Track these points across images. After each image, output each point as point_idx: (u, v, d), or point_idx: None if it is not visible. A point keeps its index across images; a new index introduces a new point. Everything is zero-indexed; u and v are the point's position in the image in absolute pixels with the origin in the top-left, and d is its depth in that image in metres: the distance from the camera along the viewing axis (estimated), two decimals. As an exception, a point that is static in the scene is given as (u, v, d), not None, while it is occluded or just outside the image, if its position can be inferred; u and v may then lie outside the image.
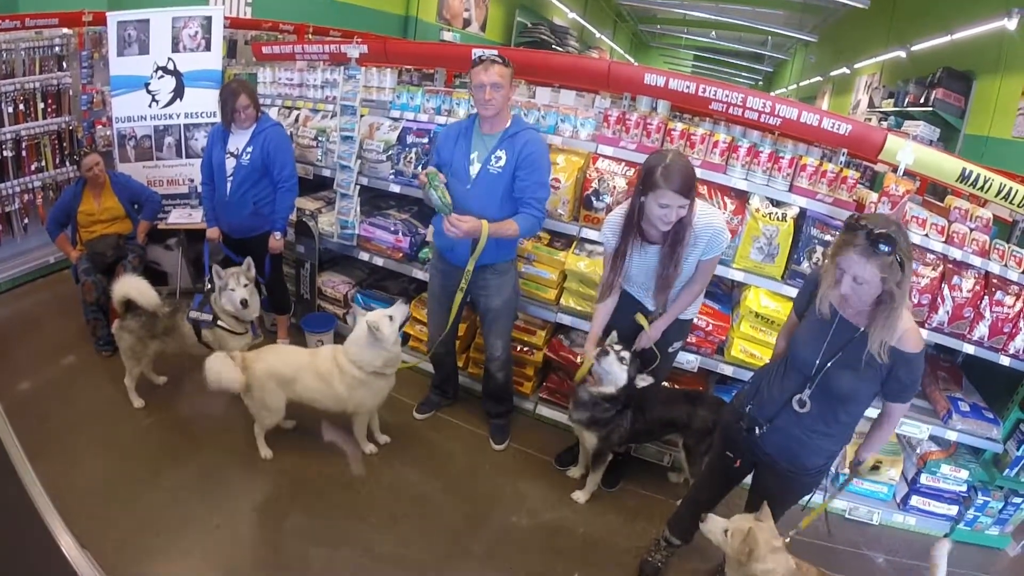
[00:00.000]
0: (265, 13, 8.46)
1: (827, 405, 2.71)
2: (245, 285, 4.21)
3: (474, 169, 3.78)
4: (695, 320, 3.93)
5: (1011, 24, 7.79)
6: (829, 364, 2.63)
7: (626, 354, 3.52)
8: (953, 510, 4.32)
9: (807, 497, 3.06)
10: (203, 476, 3.84)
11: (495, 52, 3.81)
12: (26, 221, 5.90)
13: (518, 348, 4.62)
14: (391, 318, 3.76)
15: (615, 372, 3.52)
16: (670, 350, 3.74)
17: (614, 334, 3.61)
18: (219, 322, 4.21)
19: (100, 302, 4.68)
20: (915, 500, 4.35)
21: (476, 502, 3.96)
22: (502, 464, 4.29)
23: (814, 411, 2.72)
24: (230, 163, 4.57)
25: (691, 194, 3.07)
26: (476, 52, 4.50)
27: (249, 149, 4.51)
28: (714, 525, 2.83)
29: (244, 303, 4.19)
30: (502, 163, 3.72)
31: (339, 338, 5.04)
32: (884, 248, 2.30)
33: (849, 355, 2.58)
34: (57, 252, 5.62)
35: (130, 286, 4.05)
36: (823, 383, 2.67)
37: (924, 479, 4.29)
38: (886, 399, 2.71)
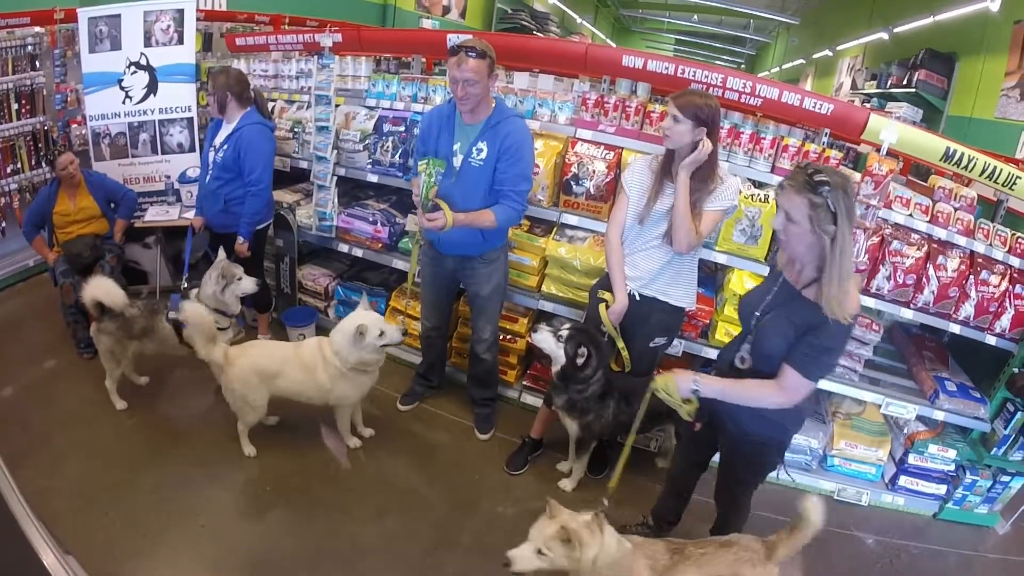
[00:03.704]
0: (240, 4, 8.34)
1: (760, 364, 2.69)
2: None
3: (457, 161, 3.70)
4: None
5: (994, 5, 7.76)
6: (763, 319, 2.65)
7: (564, 333, 3.49)
8: (942, 489, 4.33)
9: (774, 474, 3.04)
10: (188, 475, 3.79)
11: (470, 38, 3.73)
12: (3, 225, 5.79)
13: (500, 336, 4.57)
14: (382, 333, 3.68)
15: (549, 348, 3.51)
16: (652, 344, 3.68)
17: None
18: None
19: (79, 304, 4.58)
20: (903, 480, 4.35)
21: (462, 493, 3.93)
22: (487, 454, 4.26)
23: (752, 370, 2.72)
24: (211, 156, 4.55)
25: (687, 113, 3.13)
26: (451, 38, 4.46)
27: (226, 146, 4.46)
28: (521, 558, 2.68)
29: (257, 284, 4.21)
30: (484, 155, 3.64)
31: (321, 332, 5.02)
32: (816, 187, 2.33)
33: (781, 316, 2.57)
34: (36, 255, 5.52)
35: (98, 288, 3.97)
36: (756, 339, 2.68)
37: (912, 459, 4.29)
38: (786, 360, 2.54)
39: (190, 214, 5.12)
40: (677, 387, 2.76)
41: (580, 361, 3.45)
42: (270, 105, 5.64)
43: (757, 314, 2.70)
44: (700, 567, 2.76)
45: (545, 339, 3.51)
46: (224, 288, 4.12)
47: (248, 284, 4.18)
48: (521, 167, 3.67)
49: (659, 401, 2.84)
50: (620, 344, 3.61)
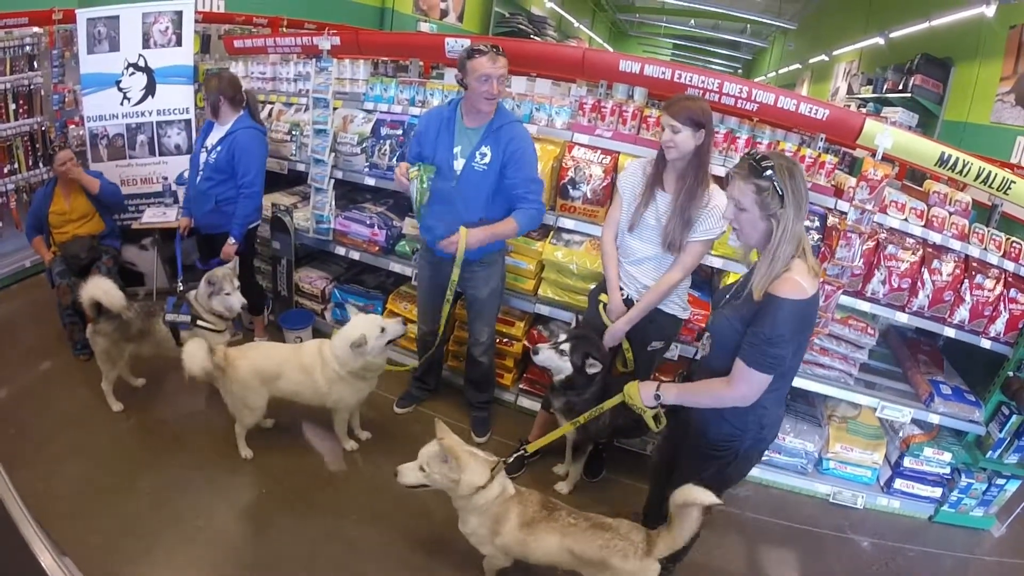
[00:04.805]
0: (239, 6, 8.35)
1: (715, 349, 2.71)
2: (238, 287, 4.18)
3: (458, 165, 3.70)
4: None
5: (989, 10, 7.78)
6: (722, 308, 2.69)
7: (566, 345, 3.47)
8: (937, 492, 4.33)
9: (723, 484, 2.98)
10: (184, 478, 3.79)
11: (468, 41, 3.74)
12: (0, 225, 5.81)
13: (497, 340, 4.58)
14: (383, 330, 3.68)
15: (555, 364, 3.49)
16: (649, 348, 3.68)
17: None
18: (199, 322, 4.14)
19: (76, 305, 4.56)
20: (899, 483, 4.36)
21: (459, 496, 3.93)
22: (484, 457, 4.25)
23: (712, 357, 2.73)
24: (203, 157, 4.56)
25: (685, 121, 3.10)
26: (449, 42, 4.47)
27: (219, 148, 4.48)
28: (407, 471, 2.88)
29: (245, 307, 4.19)
30: (487, 160, 3.65)
31: (318, 334, 5.03)
32: (761, 171, 2.36)
33: (733, 304, 2.61)
34: (32, 256, 5.54)
35: (96, 288, 3.96)
36: (712, 327, 2.74)
37: (907, 462, 4.30)
38: (737, 354, 2.52)
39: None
40: (640, 396, 2.80)
41: (592, 371, 3.43)
42: (268, 108, 5.65)
43: (721, 302, 2.75)
44: (564, 535, 2.81)
45: (549, 357, 3.49)
46: (210, 295, 4.13)
47: (234, 300, 4.15)
48: (528, 171, 3.70)
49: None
50: (625, 344, 3.62)
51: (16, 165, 5.71)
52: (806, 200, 2.42)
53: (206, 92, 4.47)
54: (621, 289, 3.59)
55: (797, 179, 2.37)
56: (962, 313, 4.02)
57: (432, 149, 3.75)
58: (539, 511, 2.88)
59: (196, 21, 5.80)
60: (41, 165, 5.78)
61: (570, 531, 2.81)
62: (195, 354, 3.66)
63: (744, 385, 2.51)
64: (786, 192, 2.34)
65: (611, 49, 25.39)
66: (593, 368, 3.41)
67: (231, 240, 4.54)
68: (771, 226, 2.41)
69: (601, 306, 3.63)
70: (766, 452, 4.30)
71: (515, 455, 3.03)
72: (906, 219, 3.96)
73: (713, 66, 28.36)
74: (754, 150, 2.60)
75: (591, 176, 4.23)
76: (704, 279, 4.63)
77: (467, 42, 4.36)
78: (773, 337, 2.40)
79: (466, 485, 2.78)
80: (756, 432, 2.70)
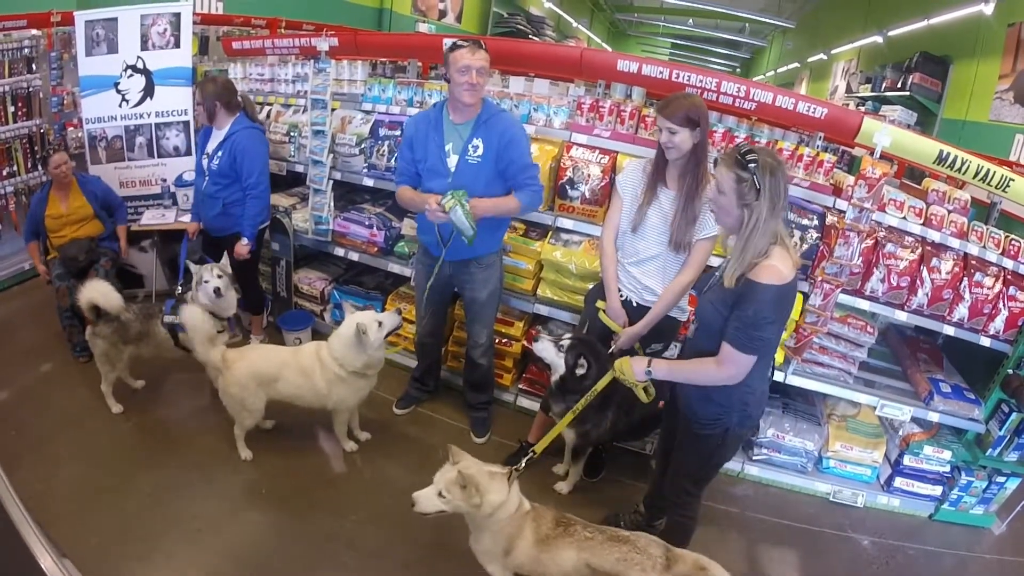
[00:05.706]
0: (237, 8, 8.36)
1: (701, 332, 2.80)
2: (219, 276, 4.12)
3: (452, 161, 3.71)
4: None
5: (988, 9, 7.80)
6: (707, 292, 2.78)
7: (566, 342, 3.48)
8: (937, 490, 4.33)
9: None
10: (184, 479, 3.78)
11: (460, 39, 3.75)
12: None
13: (496, 340, 4.58)
14: (380, 324, 3.69)
15: (550, 357, 3.50)
16: (648, 351, 3.66)
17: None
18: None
19: (75, 308, 4.56)
20: (899, 481, 4.36)
21: (459, 497, 3.92)
22: (484, 457, 4.13)
23: (696, 338, 2.83)
24: (205, 162, 4.57)
25: (681, 122, 3.12)
26: (447, 43, 4.47)
27: (220, 153, 4.49)
28: (424, 499, 2.76)
29: (217, 291, 4.08)
30: (480, 152, 3.67)
31: (317, 335, 5.03)
32: (744, 163, 2.44)
33: (717, 287, 2.70)
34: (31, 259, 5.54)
35: (94, 290, 3.96)
36: (698, 310, 2.85)
37: (907, 460, 4.30)
38: (723, 336, 2.61)
39: (186, 218, 5.13)
40: (632, 371, 2.91)
41: (580, 372, 3.43)
42: (266, 109, 5.64)
43: (705, 287, 2.83)
44: (580, 549, 2.76)
45: (546, 348, 3.51)
46: (197, 287, 4.11)
47: (209, 286, 4.06)
48: (524, 157, 3.73)
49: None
50: (636, 345, 3.62)
51: (15, 168, 5.71)
52: (784, 199, 2.51)
53: (201, 97, 4.48)
54: (620, 291, 3.59)
55: (778, 178, 2.45)
56: (961, 311, 4.02)
57: (423, 150, 3.77)
58: (554, 528, 2.83)
59: (194, 23, 5.80)
60: (40, 168, 5.76)
61: (587, 545, 2.76)
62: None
63: (731, 366, 2.62)
64: (763, 187, 2.42)
65: (609, 49, 25.39)
66: (580, 370, 3.42)
67: (243, 241, 4.56)
68: (744, 215, 2.50)
69: (600, 311, 3.64)
70: (766, 451, 4.33)
71: (526, 460, 3.01)
72: (905, 217, 3.95)
73: (712, 65, 28.40)
74: (746, 144, 2.65)
75: (589, 176, 4.23)
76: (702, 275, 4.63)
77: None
78: (758, 321, 2.50)
79: (488, 505, 2.73)
80: (741, 409, 2.80)
